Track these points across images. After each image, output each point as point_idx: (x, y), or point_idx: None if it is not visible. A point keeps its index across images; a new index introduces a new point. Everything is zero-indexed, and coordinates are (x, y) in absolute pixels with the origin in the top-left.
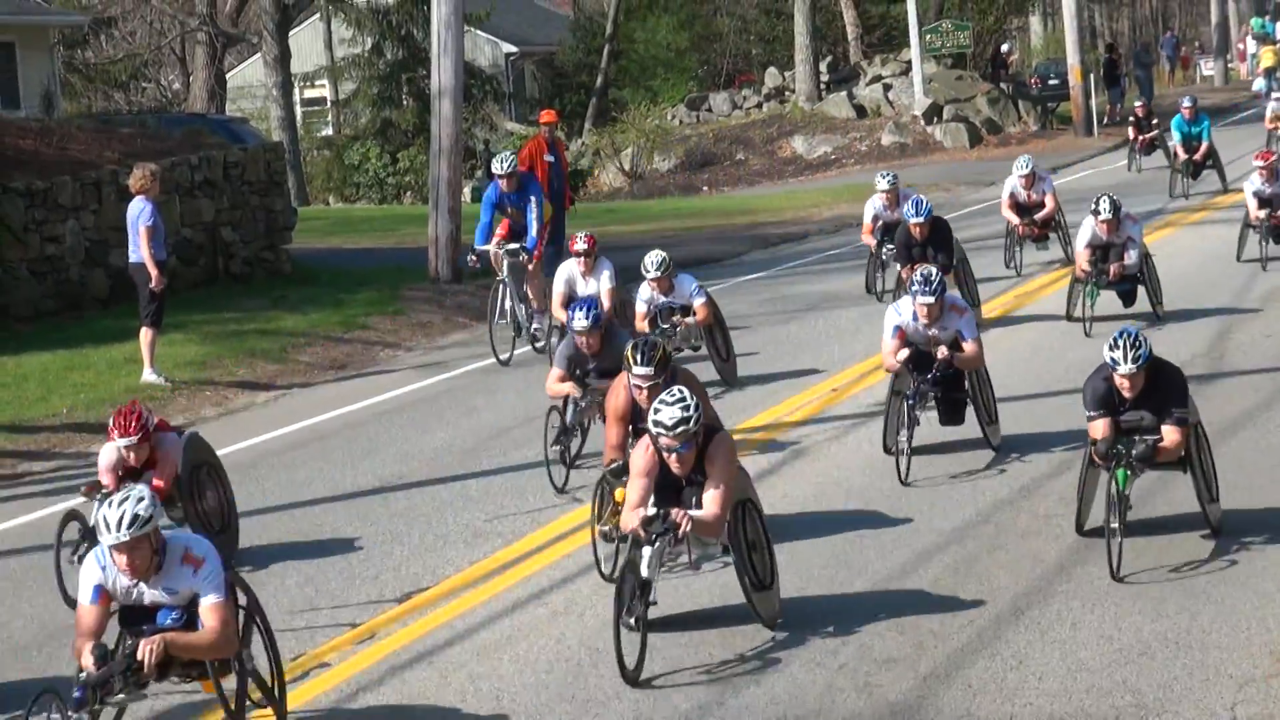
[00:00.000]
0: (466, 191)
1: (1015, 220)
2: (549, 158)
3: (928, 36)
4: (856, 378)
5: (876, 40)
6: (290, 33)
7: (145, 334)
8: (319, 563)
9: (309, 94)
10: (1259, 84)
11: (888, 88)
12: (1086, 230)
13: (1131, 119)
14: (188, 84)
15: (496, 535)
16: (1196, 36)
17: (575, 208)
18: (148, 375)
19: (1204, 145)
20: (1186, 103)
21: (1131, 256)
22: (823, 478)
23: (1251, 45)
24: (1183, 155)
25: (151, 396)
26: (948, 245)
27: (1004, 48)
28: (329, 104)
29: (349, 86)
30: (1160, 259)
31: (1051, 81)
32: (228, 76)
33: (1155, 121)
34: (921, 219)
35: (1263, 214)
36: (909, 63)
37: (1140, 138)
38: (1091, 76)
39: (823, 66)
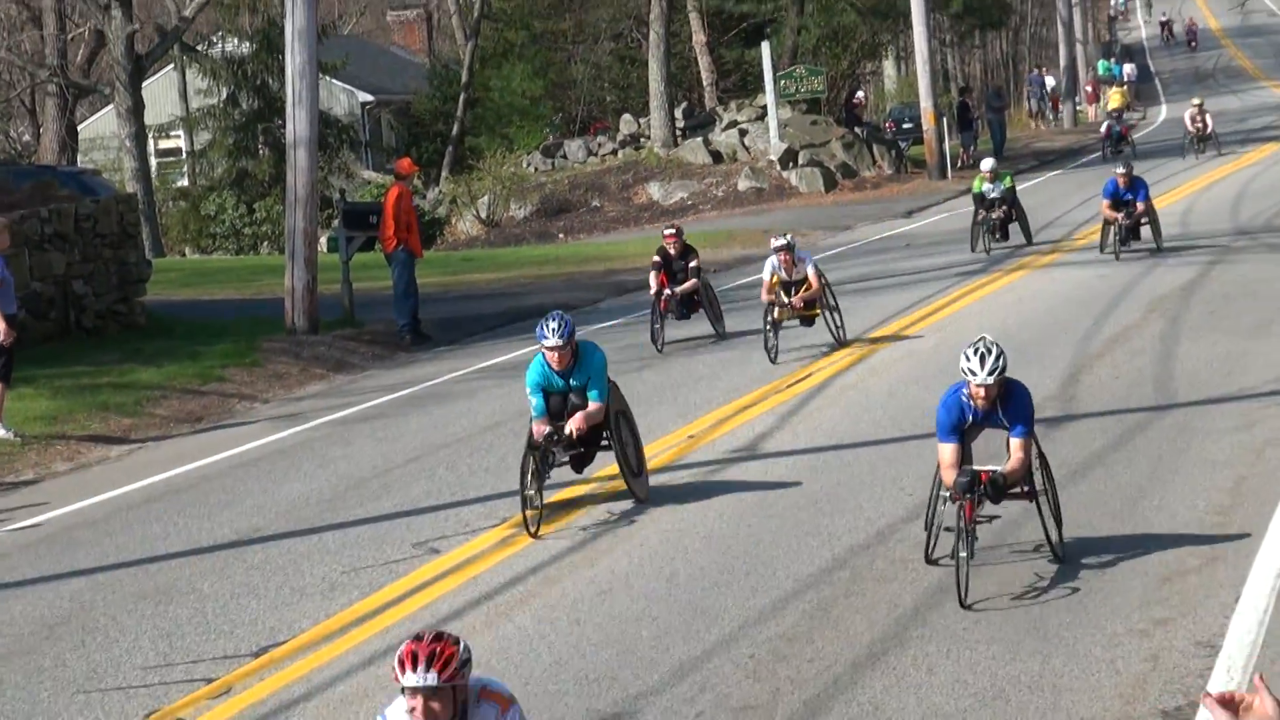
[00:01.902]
0: (323, 241)
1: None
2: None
3: (782, 82)
4: (713, 424)
5: (731, 86)
6: (144, 83)
7: None
8: (174, 617)
9: (164, 145)
10: (1107, 123)
11: (743, 133)
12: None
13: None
14: (38, 136)
15: (354, 587)
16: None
17: (425, 256)
18: None
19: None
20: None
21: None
22: (680, 524)
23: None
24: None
25: (0, 452)
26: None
27: (858, 95)
28: (184, 155)
29: (204, 137)
30: (1011, 302)
31: (905, 125)
32: (79, 128)
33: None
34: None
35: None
36: (764, 108)
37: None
38: (945, 120)
39: (678, 112)
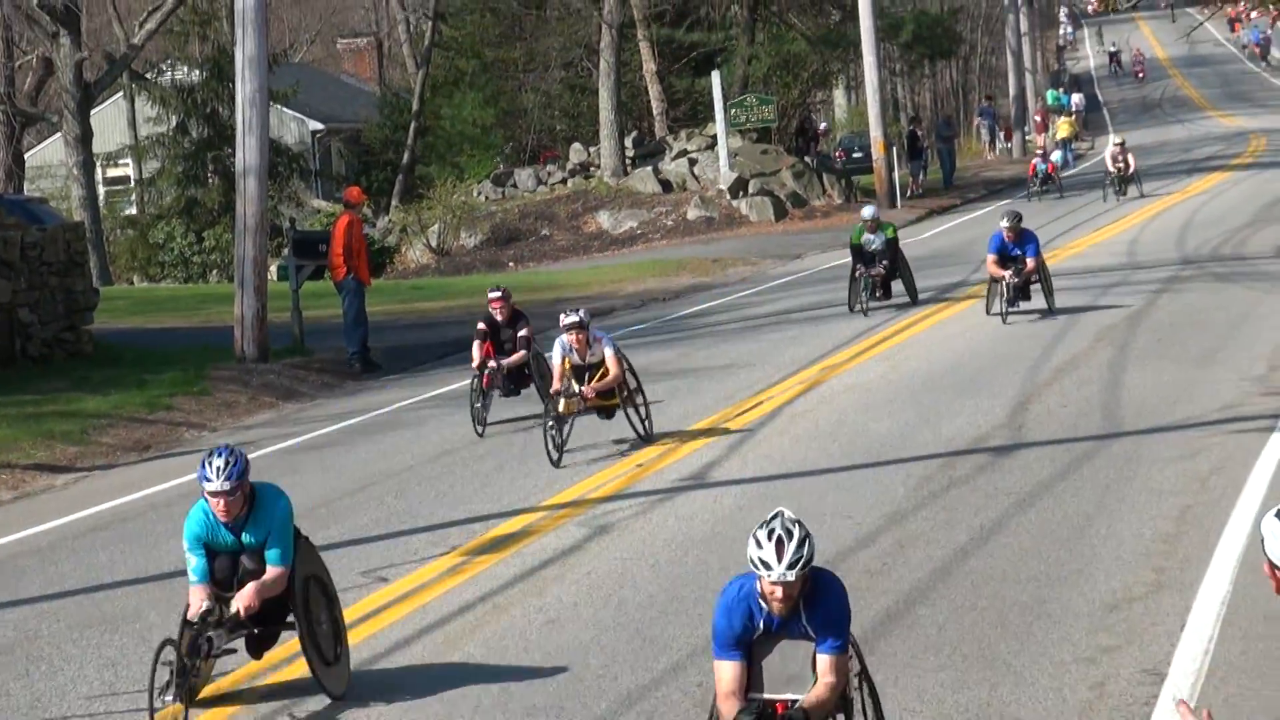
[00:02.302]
0: (273, 269)
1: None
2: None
3: (732, 111)
4: (662, 453)
5: (681, 115)
6: (92, 111)
7: None
8: (120, 646)
9: (112, 173)
10: (1056, 155)
11: (693, 162)
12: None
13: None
14: None
15: None
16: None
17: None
18: None
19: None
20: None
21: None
22: (628, 553)
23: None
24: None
25: None
26: None
27: (821, 126)
28: (133, 183)
29: (153, 165)
30: (961, 330)
31: (855, 154)
32: (26, 156)
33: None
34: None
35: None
36: (714, 137)
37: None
38: (894, 149)
39: (628, 141)
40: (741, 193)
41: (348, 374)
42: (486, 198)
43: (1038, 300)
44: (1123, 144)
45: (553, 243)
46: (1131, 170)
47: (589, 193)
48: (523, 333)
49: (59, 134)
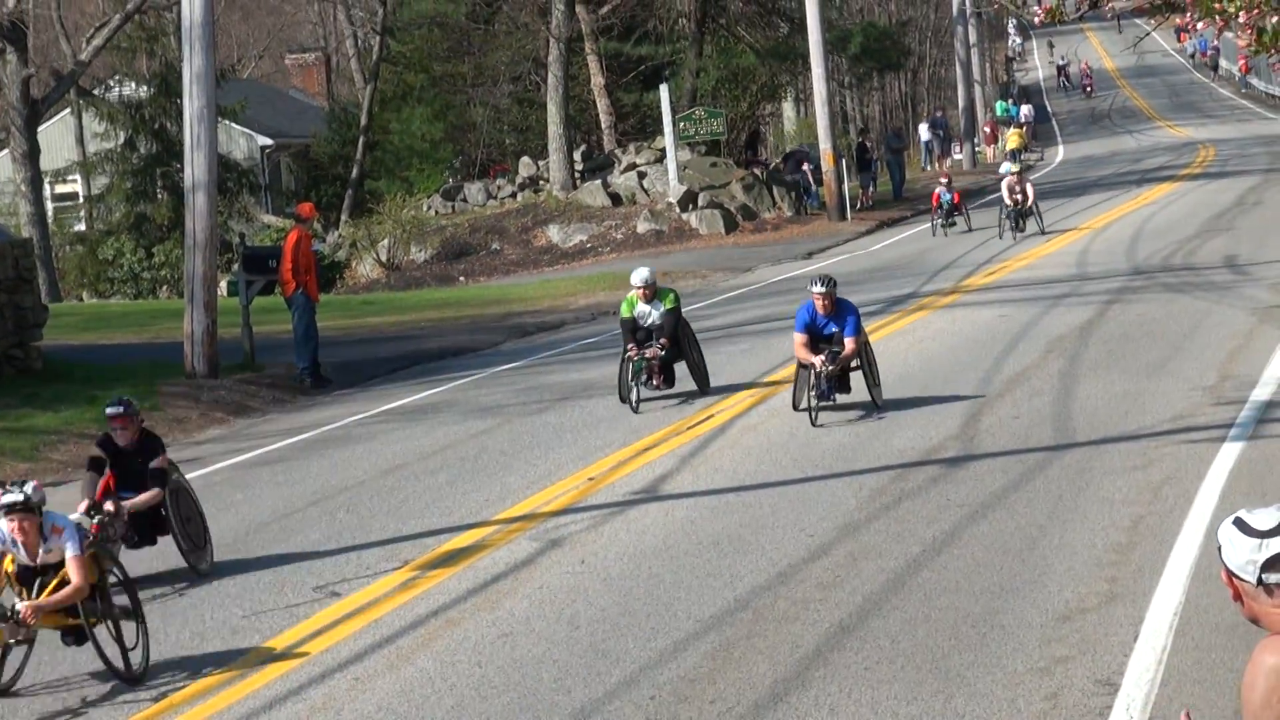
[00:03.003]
0: (223, 285)
1: None
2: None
3: (681, 124)
4: (614, 466)
5: (630, 128)
6: (40, 128)
7: None
8: (73, 662)
9: (60, 189)
10: (1005, 166)
11: (642, 175)
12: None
13: None
14: None
15: (254, 631)
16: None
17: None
18: None
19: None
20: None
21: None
22: (580, 567)
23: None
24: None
25: None
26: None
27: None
28: (81, 199)
29: (102, 181)
30: (912, 342)
31: (788, 177)
32: None
33: None
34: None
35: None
36: (663, 150)
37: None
38: (844, 161)
39: (577, 155)
40: (691, 206)
41: (299, 389)
42: (436, 212)
43: (860, 391)
44: (1019, 172)
45: (503, 257)
46: (1030, 202)
47: (538, 206)
48: (157, 463)
49: (6, 151)
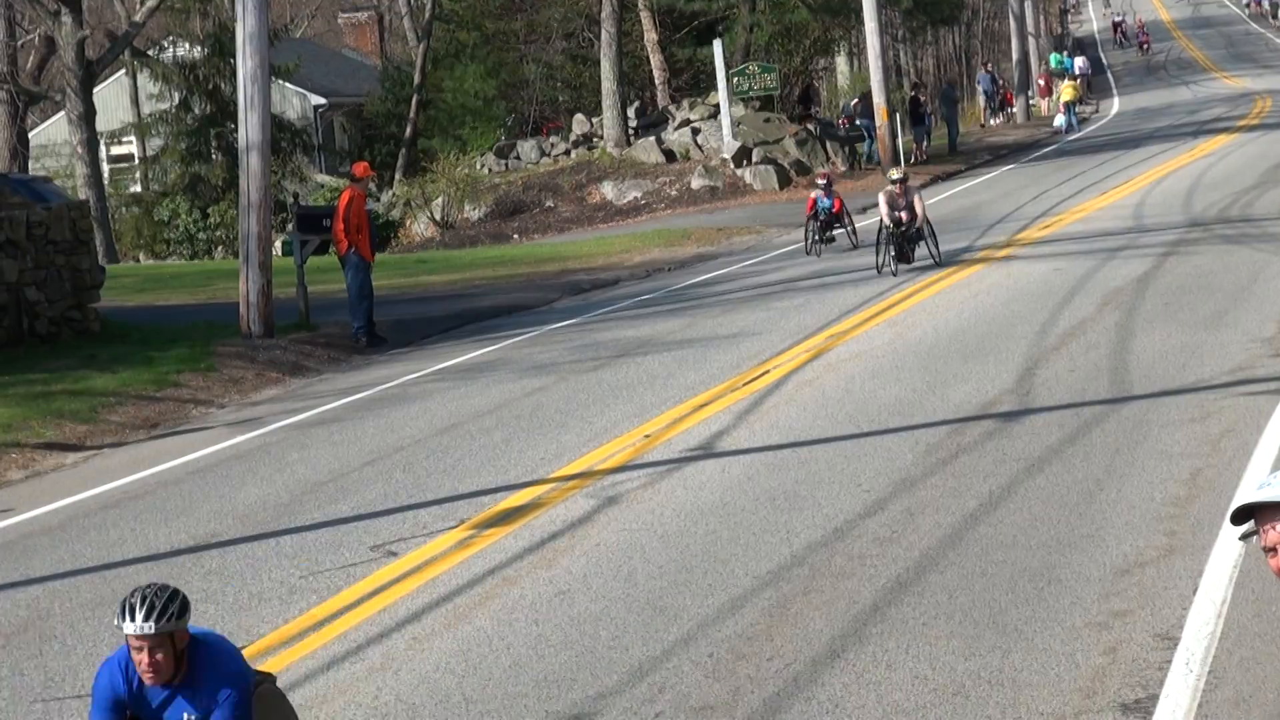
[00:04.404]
0: (277, 245)
1: None
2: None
3: (735, 79)
4: (670, 423)
5: (684, 84)
6: (95, 89)
7: None
8: None
9: (116, 151)
10: (1060, 120)
11: (696, 131)
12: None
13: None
14: None
15: (311, 591)
16: (1000, 74)
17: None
18: None
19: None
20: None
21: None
22: (637, 524)
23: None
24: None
25: None
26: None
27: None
28: (137, 160)
29: (157, 143)
30: (967, 296)
31: (859, 121)
32: (30, 135)
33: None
34: None
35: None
36: (717, 106)
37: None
38: (897, 115)
39: (630, 112)
40: (745, 161)
41: (353, 348)
42: (490, 170)
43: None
44: (904, 180)
45: (557, 214)
46: (918, 223)
47: (592, 164)
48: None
49: (62, 112)
